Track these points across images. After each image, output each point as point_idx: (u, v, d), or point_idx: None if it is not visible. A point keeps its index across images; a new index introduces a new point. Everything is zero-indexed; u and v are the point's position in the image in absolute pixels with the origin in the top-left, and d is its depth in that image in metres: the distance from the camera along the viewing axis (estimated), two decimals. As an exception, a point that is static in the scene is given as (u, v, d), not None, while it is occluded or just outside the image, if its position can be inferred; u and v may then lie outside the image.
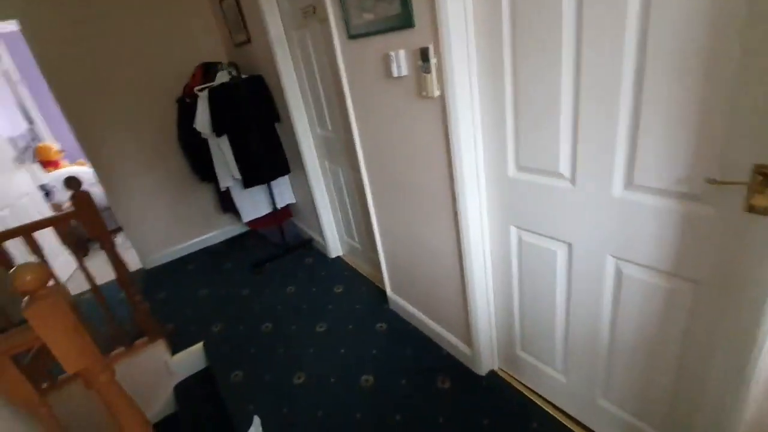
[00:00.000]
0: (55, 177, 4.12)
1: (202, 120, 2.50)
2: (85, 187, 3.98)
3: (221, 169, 2.68)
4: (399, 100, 1.46)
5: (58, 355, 0.90)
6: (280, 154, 2.74)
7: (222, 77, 2.60)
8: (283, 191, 3.02)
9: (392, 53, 1.36)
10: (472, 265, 1.46)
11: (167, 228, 3.32)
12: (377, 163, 1.80)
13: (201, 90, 2.48)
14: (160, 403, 2.29)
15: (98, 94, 2.80)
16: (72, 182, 1.82)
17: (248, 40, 2.56)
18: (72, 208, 1.87)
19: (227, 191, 2.85)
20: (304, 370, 1.94)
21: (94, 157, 2.93)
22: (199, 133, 2.59)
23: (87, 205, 1.87)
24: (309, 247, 3.09)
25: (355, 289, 2.48)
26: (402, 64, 1.35)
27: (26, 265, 0.85)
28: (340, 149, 2.29)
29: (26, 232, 1.80)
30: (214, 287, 2.83)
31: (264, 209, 2.96)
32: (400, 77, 1.40)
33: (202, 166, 2.96)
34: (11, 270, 0.85)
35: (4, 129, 4.16)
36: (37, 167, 3.76)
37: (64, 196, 4.01)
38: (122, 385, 2.10)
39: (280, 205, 2.98)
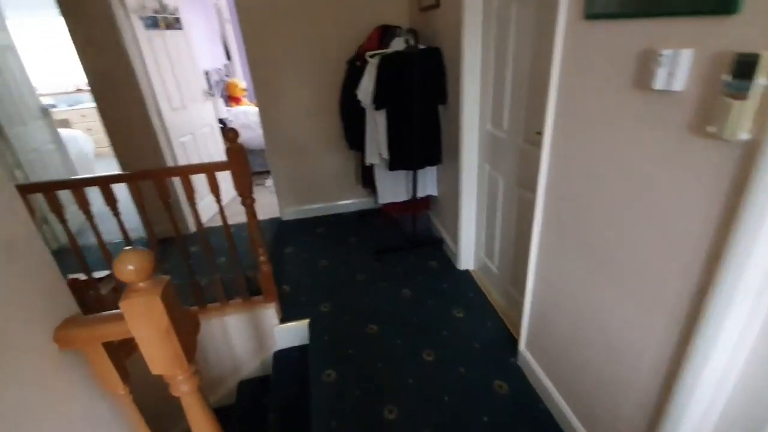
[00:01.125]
0: (233, 113, 4.55)
1: (366, 88, 2.28)
2: (253, 126, 4.27)
3: (371, 144, 2.48)
4: (650, 127, 0.95)
5: (145, 354, 0.81)
6: (436, 141, 2.40)
7: (397, 44, 2.33)
8: (427, 181, 2.71)
9: (664, 52, 0.85)
10: (691, 395, 0.93)
11: (308, 185, 3.34)
12: (567, 198, 1.32)
13: (372, 56, 2.25)
14: (255, 363, 2.32)
15: (277, 40, 2.82)
16: (229, 133, 1.78)
17: (437, 4, 2.21)
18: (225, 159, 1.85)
19: (371, 167, 2.66)
20: (399, 405, 1.66)
21: (261, 100, 3.02)
22: (359, 100, 2.40)
23: (239, 159, 1.83)
24: (438, 248, 2.77)
25: (479, 321, 2.09)
26: (679, 71, 0.83)
27: (131, 253, 0.72)
28: (511, 157, 1.84)
29: (183, 173, 1.85)
30: (334, 260, 2.74)
31: (402, 195, 2.71)
32: (665, 92, 0.89)
33: (353, 135, 2.82)
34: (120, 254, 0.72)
35: (205, 61, 4.71)
36: (221, 101, 4.16)
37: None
38: (229, 336, 2.12)
39: (420, 194, 2.69)
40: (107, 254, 1.97)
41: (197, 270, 2.15)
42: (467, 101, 2.05)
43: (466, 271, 2.49)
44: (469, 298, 2.26)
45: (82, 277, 2.03)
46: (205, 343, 2.20)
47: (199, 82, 3.57)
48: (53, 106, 5.66)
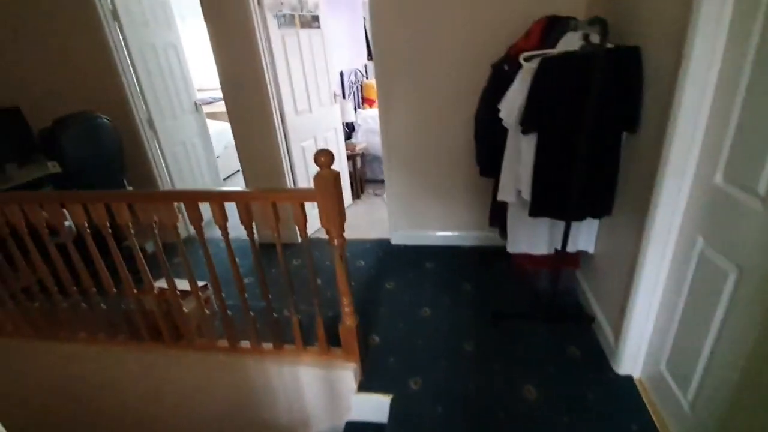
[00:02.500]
0: (362, 116, 4.33)
1: (512, 102, 1.66)
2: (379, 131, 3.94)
3: (507, 176, 1.85)
4: None
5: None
6: (608, 184, 1.65)
7: (569, 42, 1.64)
8: (581, 230, 1.95)
9: None
10: None
11: (425, 207, 2.85)
12: None
13: (529, 58, 1.61)
14: (325, 425, 1.93)
15: (407, 34, 2.38)
16: (321, 157, 1.39)
17: (642, -18, 1.46)
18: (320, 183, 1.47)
19: (502, 203, 2.02)
20: None
21: (382, 105, 2.64)
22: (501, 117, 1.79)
23: (328, 189, 1.43)
24: (584, 328, 1.99)
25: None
26: None
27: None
28: (763, 240, 1.03)
29: (266, 199, 1.53)
30: (439, 311, 2.19)
31: (541, 248, 2.00)
32: None
33: (487, 159, 2.21)
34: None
35: (343, 62, 4.59)
36: (350, 104, 3.95)
37: (364, 137, 4.18)
38: (301, 386, 1.75)
39: (570, 248, 1.94)
40: (212, 267, 1.78)
41: (278, 299, 1.85)
42: (680, 132, 1.27)
43: (629, 379, 1.68)
44: (631, 430, 1.47)
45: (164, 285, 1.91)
46: (275, 386, 1.90)
47: (331, 84, 3.37)
48: (217, 100, 6.33)
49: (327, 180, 1.40)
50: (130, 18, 2.84)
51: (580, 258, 2.17)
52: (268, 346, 1.89)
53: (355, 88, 4.74)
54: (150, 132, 3.06)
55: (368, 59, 5.73)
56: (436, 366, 1.84)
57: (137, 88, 2.93)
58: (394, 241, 3.01)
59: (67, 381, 2.21)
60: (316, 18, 3.12)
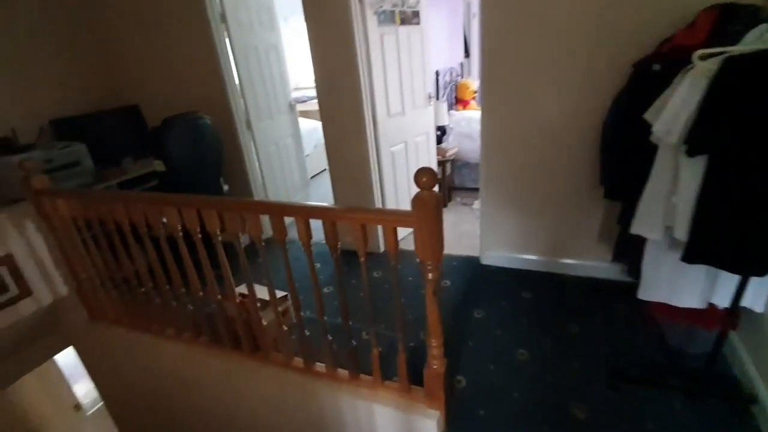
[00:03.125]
0: (456, 119, 4.04)
1: (673, 113, 1.27)
2: (474, 137, 3.63)
3: (653, 205, 1.45)
4: None
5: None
6: (816, 232, 1.18)
7: (758, 38, 1.21)
8: (750, 286, 1.47)
9: None
10: None
11: (525, 225, 2.49)
12: None
13: (705, 57, 1.21)
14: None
15: (525, 24, 2.05)
16: (423, 177, 1.16)
17: None
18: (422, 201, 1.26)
19: (637, 238, 1.61)
20: None
21: (487, 105, 2.34)
22: (648, 127, 1.40)
23: (428, 214, 1.20)
24: (740, 409, 1.51)
25: None
26: None
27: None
28: None
29: (356, 220, 1.35)
30: (539, 357, 1.86)
31: (690, 299, 1.56)
32: None
33: (618, 178, 1.82)
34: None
35: (439, 60, 4.32)
36: (444, 106, 3.69)
37: (456, 141, 3.89)
38: (374, 427, 1.55)
39: (729, 304, 1.48)
40: (292, 287, 1.69)
41: (358, 312, 1.68)
42: None
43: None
44: None
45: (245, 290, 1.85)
46: (347, 420, 1.74)
47: (427, 84, 3.15)
48: (311, 98, 6.47)
49: (428, 204, 1.17)
50: (236, 21, 2.90)
51: (739, 316, 1.67)
52: (344, 373, 1.74)
53: (449, 88, 4.45)
54: (247, 132, 3.12)
55: (465, 56, 5.40)
56: (535, 429, 1.53)
57: (238, 89, 2.99)
58: (484, 261, 2.70)
59: (157, 373, 2.30)
60: (416, 14, 2.91)
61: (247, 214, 1.56)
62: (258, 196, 3.29)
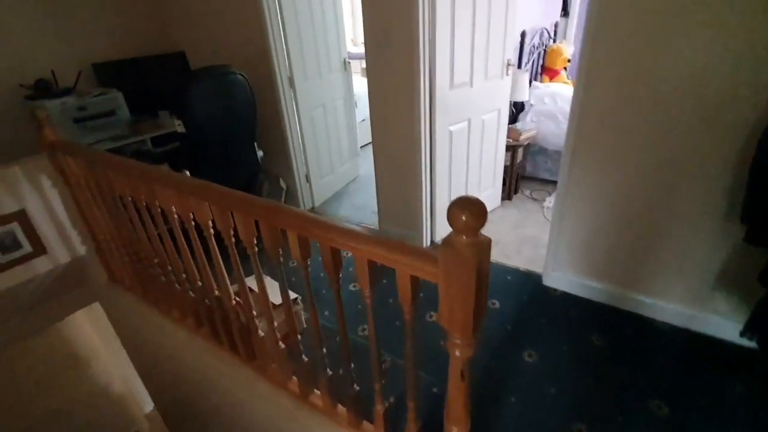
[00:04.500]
0: (538, 93, 3.33)
1: None
2: (560, 118, 2.95)
3: None
4: None
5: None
6: None
7: None
8: None
9: None
10: None
11: (610, 243, 1.92)
12: None
13: None
14: None
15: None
16: (463, 213, 0.70)
17: None
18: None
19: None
20: None
21: (584, 76, 1.75)
22: None
23: (461, 273, 0.75)
24: None
25: None
26: None
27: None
28: None
29: (362, 253, 0.93)
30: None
31: None
32: None
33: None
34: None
35: (527, 20, 3.56)
36: (525, 77, 3.02)
37: (535, 121, 3.22)
38: None
39: None
40: (316, 322, 1.36)
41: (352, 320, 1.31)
42: None
43: None
44: None
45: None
46: None
47: (507, 48, 2.52)
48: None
49: (464, 260, 0.72)
50: (286, -43, 2.46)
51: None
52: (343, 410, 1.40)
53: (536, 54, 3.70)
54: (289, 92, 2.76)
55: (562, 15, 4.50)
56: None
57: (282, 40, 2.60)
58: (548, 282, 2.18)
59: (164, 351, 2.17)
60: (504, -45, 2.26)
61: (237, 214, 1.21)
62: (296, 165, 2.97)
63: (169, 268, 1.78)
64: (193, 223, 1.44)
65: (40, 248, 2.02)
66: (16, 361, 3.33)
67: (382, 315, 2.02)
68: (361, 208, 3.20)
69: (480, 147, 2.61)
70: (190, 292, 1.78)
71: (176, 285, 1.82)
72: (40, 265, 2.05)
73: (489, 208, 2.92)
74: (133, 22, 2.93)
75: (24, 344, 3.22)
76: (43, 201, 2.00)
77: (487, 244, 0.74)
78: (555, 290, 2.12)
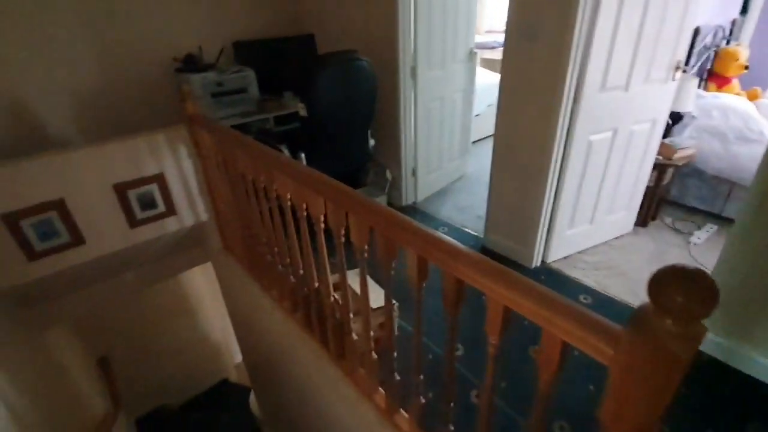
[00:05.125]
0: (705, 104, 2.73)
1: None
2: (731, 139, 2.40)
3: None
4: None
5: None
6: None
7: None
8: None
9: None
10: None
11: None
12: None
13: None
14: None
15: None
16: (679, 285, 0.49)
17: None
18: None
19: None
20: None
21: None
22: None
23: (650, 369, 0.54)
24: None
25: None
26: None
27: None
28: None
29: (498, 299, 0.75)
30: None
31: None
32: None
33: None
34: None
35: (704, 13, 2.92)
36: (693, 83, 2.48)
37: (696, 138, 2.66)
38: None
39: None
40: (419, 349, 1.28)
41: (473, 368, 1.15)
42: None
43: None
44: None
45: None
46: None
47: (679, 47, 2.06)
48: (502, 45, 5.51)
49: (668, 355, 0.51)
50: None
51: None
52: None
53: (704, 56, 3.04)
54: (410, 82, 2.64)
55: (741, 14, 3.65)
56: None
57: (411, 26, 2.48)
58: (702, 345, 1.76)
59: (262, 325, 2.26)
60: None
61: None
62: (405, 157, 2.87)
63: (276, 250, 1.80)
64: (305, 213, 1.41)
65: (171, 209, 2.22)
66: (146, 302, 3.85)
67: (470, 336, 1.83)
68: (464, 210, 3.00)
69: (621, 162, 2.22)
70: (291, 277, 1.79)
71: (279, 267, 1.84)
72: (170, 225, 2.26)
73: (616, 233, 2.50)
74: (272, 3, 3.06)
75: (151, 289, 3.70)
76: (178, 168, 2.18)
77: (702, 335, 0.52)
78: (703, 355, 1.71)
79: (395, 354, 1.27)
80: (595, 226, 2.35)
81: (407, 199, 3.03)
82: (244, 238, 2.11)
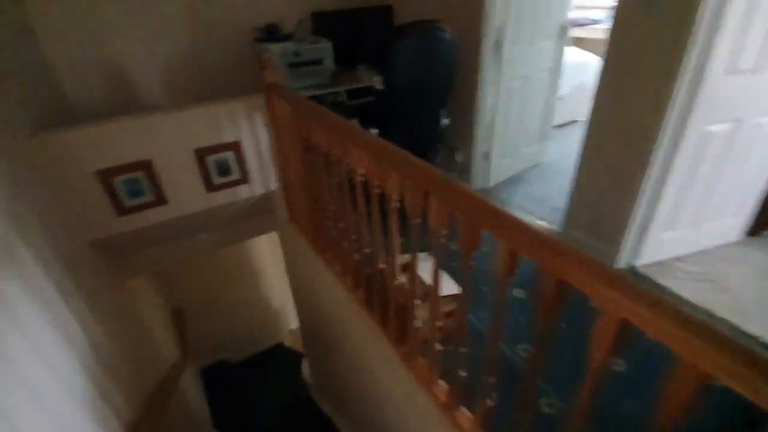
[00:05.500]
0: None
1: None
2: None
3: None
4: None
5: None
6: None
7: None
8: None
9: None
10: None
11: None
12: None
13: None
14: None
15: None
16: None
17: None
18: None
19: None
20: None
21: None
22: None
23: None
24: None
25: None
26: None
27: None
28: None
29: (610, 311, 0.63)
30: None
31: None
32: None
33: None
34: None
35: None
36: None
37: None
38: None
39: None
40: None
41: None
42: None
43: None
44: None
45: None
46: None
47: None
48: (594, 22, 4.99)
49: None
50: None
51: None
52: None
53: None
54: (494, 58, 2.45)
55: None
56: None
57: (501, -5, 2.27)
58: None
59: (323, 299, 2.28)
60: None
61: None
62: (480, 138, 2.70)
63: (342, 225, 1.77)
64: (377, 190, 1.34)
65: (244, 177, 2.28)
66: (215, 263, 4.11)
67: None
68: (539, 201, 2.77)
69: (742, 159, 1.89)
70: (356, 255, 1.75)
71: (344, 243, 1.82)
72: (242, 192, 2.33)
73: (722, 241, 2.17)
74: (351, -28, 2.97)
75: (221, 251, 3.93)
76: (253, 136, 2.22)
77: None
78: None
79: (462, 349, 1.18)
80: (697, 230, 2.05)
81: (477, 183, 2.87)
82: (310, 210, 2.11)
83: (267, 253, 4.57)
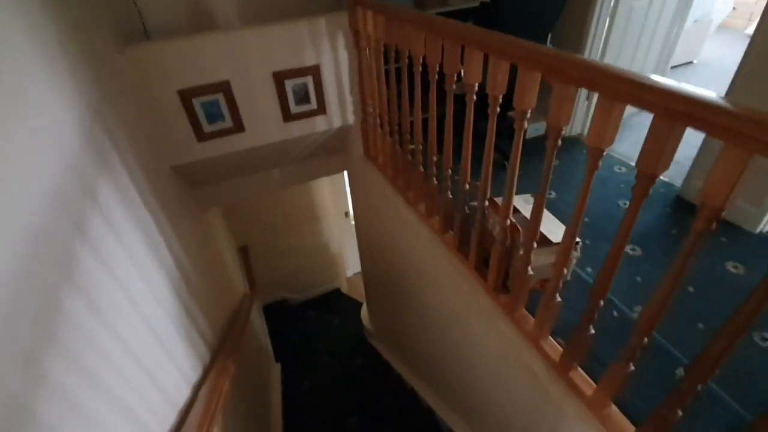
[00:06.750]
0: None
1: None
2: None
3: None
4: None
5: None
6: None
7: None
8: None
9: None
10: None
11: None
12: None
13: None
14: None
15: None
16: None
17: None
18: None
19: None
20: None
21: None
22: None
23: None
24: None
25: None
26: None
27: None
28: None
29: None
30: None
31: None
32: None
33: None
34: None
35: None
36: None
37: None
38: None
39: None
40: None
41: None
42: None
43: None
44: None
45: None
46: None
47: None
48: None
49: None
50: None
51: None
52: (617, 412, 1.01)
53: None
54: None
55: None
56: None
57: None
58: None
59: (398, 242, 2.14)
60: None
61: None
62: (586, 75, 2.31)
63: (434, 159, 1.57)
64: (474, 97, 1.11)
65: (321, 107, 2.12)
66: (281, 203, 4.11)
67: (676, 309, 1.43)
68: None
69: None
70: (449, 193, 1.56)
71: (433, 180, 1.63)
72: (318, 124, 2.18)
73: None
74: None
75: (286, 192, 3.90)
76: (334, 60, 2.02)
77: None
78: None
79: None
80: None
81: (575, 128, 2.52)
82: (391, 144, 1.92)
83: (328, 199, 4.52)
